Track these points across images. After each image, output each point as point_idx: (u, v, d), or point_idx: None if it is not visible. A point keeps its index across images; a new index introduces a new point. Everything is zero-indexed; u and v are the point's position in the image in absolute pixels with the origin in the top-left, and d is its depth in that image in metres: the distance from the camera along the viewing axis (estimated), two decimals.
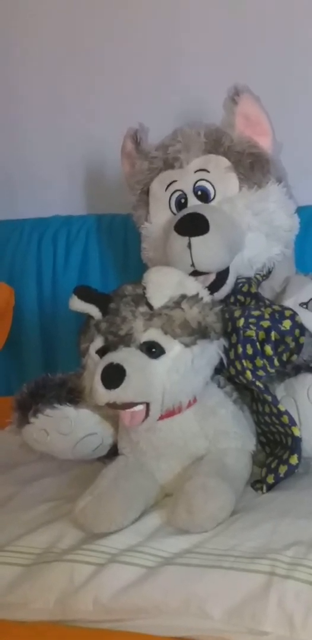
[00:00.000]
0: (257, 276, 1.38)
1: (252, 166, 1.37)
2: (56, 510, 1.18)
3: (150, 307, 1.14)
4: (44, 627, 1.03)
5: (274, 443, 1.23)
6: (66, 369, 1.39)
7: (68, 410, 1.26)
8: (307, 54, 1.74)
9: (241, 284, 1.35)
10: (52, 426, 1.27)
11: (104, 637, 1.01)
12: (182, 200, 1.39)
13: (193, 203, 1.38)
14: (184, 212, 1.35)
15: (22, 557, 1.09)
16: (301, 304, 1.32)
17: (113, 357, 1.11)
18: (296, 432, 1.16)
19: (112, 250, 1.80)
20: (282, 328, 1.19)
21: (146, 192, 1.44)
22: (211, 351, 1.16)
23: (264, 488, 1.18)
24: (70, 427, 1.26)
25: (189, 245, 1.29)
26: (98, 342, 1.16)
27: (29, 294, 1.84)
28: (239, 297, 1.33)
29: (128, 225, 1.63)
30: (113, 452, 1.27)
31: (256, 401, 1.23)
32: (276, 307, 1.23)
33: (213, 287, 1.30)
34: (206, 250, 1.29)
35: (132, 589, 1.01)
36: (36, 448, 1.32)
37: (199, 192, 1.38)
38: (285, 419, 1.17)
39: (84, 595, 1.02)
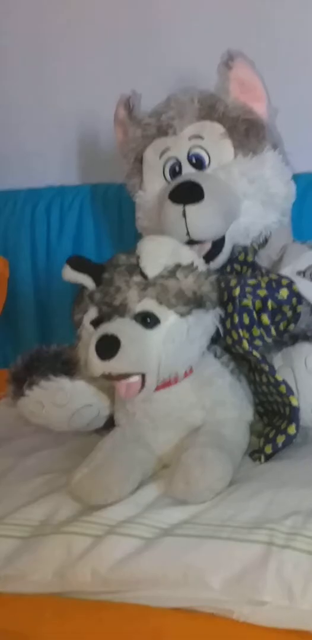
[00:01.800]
0: (254, 245, 1.36)
1: (247, 132, 1.35)
2: (53, 483, 1.18)
3: (144, 276, 1.13)
4: (42, 600, 1.03)
5: (272, 413, 1.23)
6: (62, 341, 1.38)
7: (63, 381, 1.26)
8: (299, 16, 1.71)
9: (237, 253, 1.34)
10: (47, 398, 1.26)
11: (102, 608, 1.01)
12: (177, 168, 1.38)
13: (187, 171, 1.36)
14: (179, 180, 1.33)
15: (19, 529, 1.09)
16: (299, 273, 1.31)
17: (107, 327, 1.10)
18: (294, 402, 1.16)
19: (106, 220, 1.79)
20: (279, 297, 1.18)
21: (140, 160, 1.42)
22: (207, 321, 1.15)
23: (262, 458, 1.18)
24: (65, 398, 1.26)
25: (184, 214, 1.27)
26: (92, 313, 1.15)
27: (23, 266, 1.83)
28: (235, 266, 1.32)
29: (123, 194, 1.61)
30: (110, 424, 1.26)
31: (253, 371, 1.22)
32: (272, 276, 1.22)
33: (209, 256, 1.30)
34: (201, 219, 1.28)
35: (130, 561, 1.01)
36: (32, 420, 1.32)
37: (194, 160, 1.36)
38: (282, 388, 1.16)
39: (82, 567, 1.02)
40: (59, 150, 1.95)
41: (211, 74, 1.40)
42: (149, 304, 1.12)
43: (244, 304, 1.17)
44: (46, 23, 1.92)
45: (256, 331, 1.17)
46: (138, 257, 1.14)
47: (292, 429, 1.16)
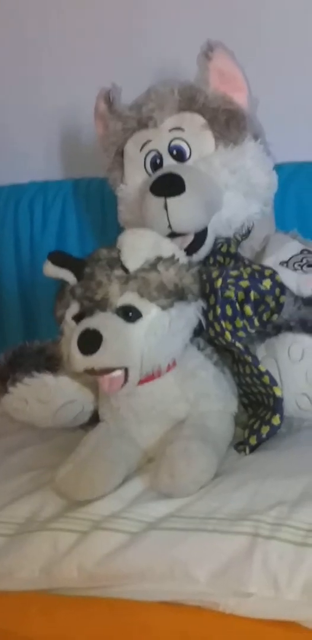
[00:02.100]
0: (237, 236, 1.36)
1: (228, 123, 1.35)
2: (38, 479, 1.18)
3: (125, 270, 1.12)
4: (29, 597, 1.03)
5: (256, 404, 1.23)
6: (46, 336, 1.37)
7: (47, 378, 1.25)
8: (284, 7, 1.71)
9: (220, 244, 1.33)
10: (31, 395, 1.26)
11: (89, 604, 1.01)
12: (158, 161, 1.37)
13: (168, 163, 1.36)
14: (160, 172, 1.33)
15: (5, 527, 1.09)
16: (281, 263, 1.32)
17: (89, 322, 1.10)
18: (278, 392, 1.16)
19: (89, 214, 1.78)
20: (262, 287, 1.18)
21: (121, 154, 1.42)
22: (189, 313, 1.15)
23: (247, 449, 1.18)
24: (49, 394, 1.25)
25: (165, 206, 1.26)
26: (74, 308, 1.14)
27: (6, 262, 1.82)
28: (218, 257, 1.32)
29: (105, 189, 1.60)
30: (94, 419, 1.26)
31: (237, 362, 1.22)
32: (255, 267, 1.21)
33: (192, 249, 1.29)
34: (183, 211, 1.27)
35: (116, 555, 1.01)
36: (16, 417, 1.31)
37: (175, 152, 1.36)
38: (266, 379, 1.16)
39: (68, 563, 1.02)
40: (41, 145, 1.94)
41: (192, 65, 1.39)
42: (130, 298, 1.11)
43: (227, 295, 1.16)
44: (28, 19, 1.91)
45: (239, 322, 1.17)
46: (119, 251, 1.13)
47: (276, 420, 1.16)
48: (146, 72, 1.62)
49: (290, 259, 1.32)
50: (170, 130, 1.36)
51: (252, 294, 1.17)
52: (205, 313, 1.17)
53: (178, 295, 1.13)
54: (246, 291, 1.17)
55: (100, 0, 1.84)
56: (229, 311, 1.16)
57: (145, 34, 1.80)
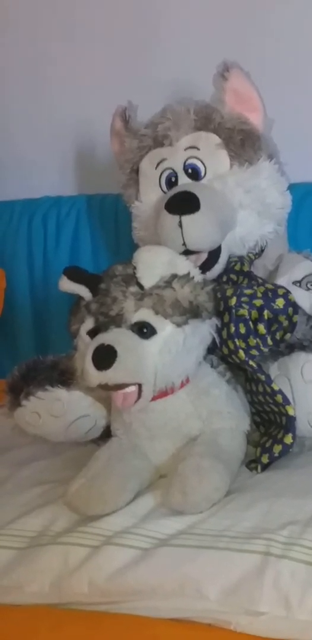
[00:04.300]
0: (250, 254, 1.37)
1: (243, 143, 1.36)
2: (50, 493, 1.18)
3: (141, 287, 1.13)
4: (39, 611, 1.03)
5: (268, 422, 1.23)
6: (59, 351, 1.38)
7: (60, 392, 1.26)
8: (296, 27, 1.72)
9: (233, 263, 1.34)
10: (44, 409, 1.26)
11: (99, 619, 1.00)
12: (173, 179, 1.38)
13: (183, 181, 1.37)
14: (175, 190, 1.34)
15: (16, 540, 1.09)
16: (294, 282, 1.32)
17: (104, 337, 1.10)
18: (290, 411, 1.16)
19: (103, 230, 1.79)
20: (275, 307, 1.18)
21: (136, 171, 1.43)
22: (203, 331, 1.16)
23: (259, 468, 1.18)
24: (62, 409, 1.25)
25: (180, 224, 1.27)
26: (89, 323, 1.15)
27: (20, 276, 1.83)
28: (231, 275, 1.32)
29: (119, 205, 1.61)
30: (107, 434, 1.26)
31: (250, 381, 1.23)
32: (269, 286, 1.22)
33: (205, 266, 1.30)
34: (197, 229, 1.28)
35: (127, 571, 1.00)
36: (29, 431, 1.31)
37: (190, 170, 1.37)
38: (279, 398, 1.16)
39: (79, 577, 1.02)
40: (55, 160, 1.96)
41: (208, 85, 1.40)
42: (145, 314, 1.12)
43: (240, 313, 1.17)
44: (43, 34, 1.93)
45: (253, 341, 1.17)
46: (134, 268, 1.14)
47: (288, 439, 1.16)
48: (161, 90, 1.64)
49: (303, 278, 1.33)
50: (185, 149, 1.37)
51: (265, 313, 1.18)
52: (219, 331, 1.18)
53: (193, 312, 1.13)
54: (260, 310, 1.18)
55: (116, 18, 1.85)
56: (242, 329, 1.17)
57: (160, 53, 1.82)
